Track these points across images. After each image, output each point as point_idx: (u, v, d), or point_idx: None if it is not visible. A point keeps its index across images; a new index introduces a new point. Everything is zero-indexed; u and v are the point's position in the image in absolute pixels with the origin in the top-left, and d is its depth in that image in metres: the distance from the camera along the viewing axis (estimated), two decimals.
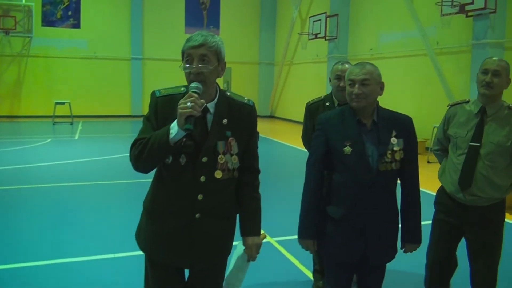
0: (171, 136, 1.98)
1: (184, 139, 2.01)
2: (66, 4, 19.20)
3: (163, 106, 2.13)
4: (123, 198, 7.17)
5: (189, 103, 1.94)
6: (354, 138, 2.50)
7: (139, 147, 2.07)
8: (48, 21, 19.06)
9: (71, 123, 16.74)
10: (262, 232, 2.39)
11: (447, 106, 3.26)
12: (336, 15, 15.78)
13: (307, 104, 3.96)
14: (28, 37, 18.74)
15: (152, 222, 2.22)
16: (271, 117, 22.09)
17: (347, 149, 2.49)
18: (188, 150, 2.07)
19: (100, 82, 19.61)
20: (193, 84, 2.04)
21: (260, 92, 22.33)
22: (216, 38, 2.11)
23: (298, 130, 19.46)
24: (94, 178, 8.19)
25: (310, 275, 4.26)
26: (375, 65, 2.56)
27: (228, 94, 2.23)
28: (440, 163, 3.31)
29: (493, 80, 2.90)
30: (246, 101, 2.28)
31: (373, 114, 2.54)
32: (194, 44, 2.06)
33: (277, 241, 5.12)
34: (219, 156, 2.13)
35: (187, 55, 2.08)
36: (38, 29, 18.82)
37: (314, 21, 16.73)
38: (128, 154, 2.16)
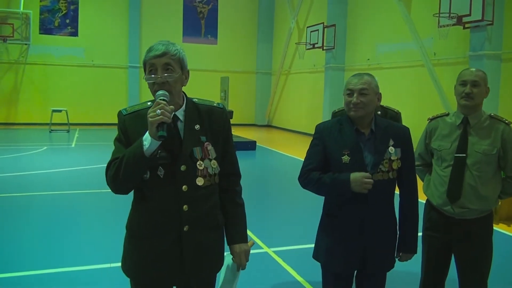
0: (145, 148, 1.95)
1: (159, 151, 2.00)
2: (64, 12, 19.25)
3: (132, 123, 2.11)
4: (119, 207, 7.10)
5: (158, 111, 1.93)
6: (352, 146, 2.51)
7: (114, 167, 2.03)
8: (45, 28, 19.10)
9: (68, 131, 16.71)
10: (250, 240, 2.35)
11: (427, 120, 3.25)
12: (334, 25, 15.85)
13: (332, 112, 4.14)
14: (26, 44, 18.76)
15: (138, 245, 2.15)
16: (268, 126, 22.11)
17: (346, 158, 2.50)
18: (164, 161, 2.04)
19: (97, 90, 19.62)
20: (160, 92, 2.02)
21: (257, 101, 22.38)
22: (177, 46, 2.10)
23: (295, 139, 19.34)
24: (90, 186, 8.13)
25: (307, 285, 4.23)
26: (372, 75, 2.58)
27: (195, 100, 2.23)
28: (422, 179, 3.27)
29: (473, 90, 2.91)
30: (215, 104, 2.27)
31: (371, 123, 2.56)
32: (156, 54, 2.04)
33: (275, 252, 5.08)
34: (198, 163, 2.11)
35: (150, 65, 2.06)
36: (35, 37, 18.86)
37: (311, 31, 16.80)
38: (105, 177, 2.10)
